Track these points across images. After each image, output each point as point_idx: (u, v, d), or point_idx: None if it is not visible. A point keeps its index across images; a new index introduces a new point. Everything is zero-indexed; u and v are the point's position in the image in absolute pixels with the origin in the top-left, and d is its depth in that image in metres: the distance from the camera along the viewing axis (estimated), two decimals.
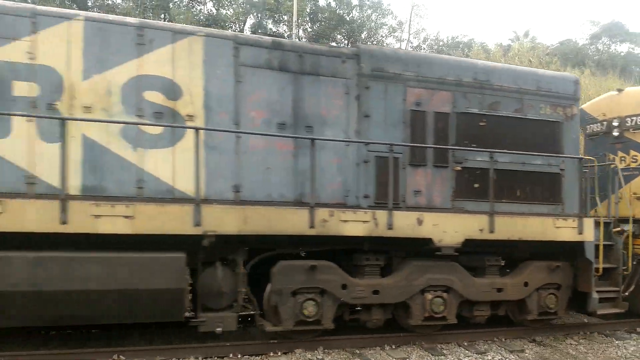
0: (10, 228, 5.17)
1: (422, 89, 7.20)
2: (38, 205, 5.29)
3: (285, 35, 25.02)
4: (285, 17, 25.38)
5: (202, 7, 25.74)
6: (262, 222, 6.06)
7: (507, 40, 32.95)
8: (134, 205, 5.57)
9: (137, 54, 6.02)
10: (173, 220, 5.69)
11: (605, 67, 29.83)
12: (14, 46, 5.59)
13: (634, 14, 64.52)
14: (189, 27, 6.74)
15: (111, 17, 6.58)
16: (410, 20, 30.98)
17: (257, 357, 6.42)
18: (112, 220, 5.46)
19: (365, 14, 27.86)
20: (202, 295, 6.23)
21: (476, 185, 7.37)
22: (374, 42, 27.42)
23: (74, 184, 5.68)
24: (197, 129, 5.86)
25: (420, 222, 6.71)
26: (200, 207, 5.75)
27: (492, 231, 7.02)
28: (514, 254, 7.77)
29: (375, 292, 6.77)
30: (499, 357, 7.00)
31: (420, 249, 6.93)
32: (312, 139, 6.33)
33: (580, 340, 7.94)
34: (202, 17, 23.79)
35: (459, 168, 7.31)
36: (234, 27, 24.52)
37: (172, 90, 6.14)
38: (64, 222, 5.30)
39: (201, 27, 7.14)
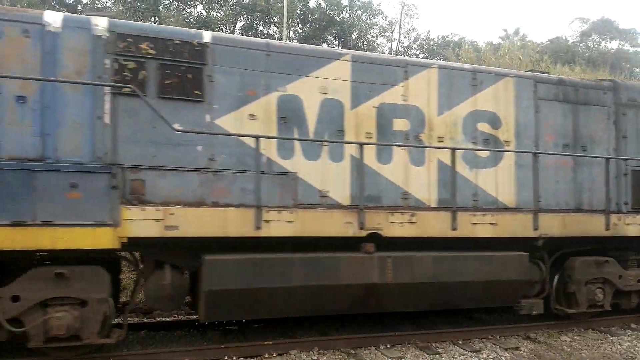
0: (419, 234, 6.96)
1: None
2: (437, 216, 7.09)
3: (276, 37, 25.01)
4: (276, 19, 25.32)
5: (192, 9, 25.65)
6: (575, 226, 7.87)
7: (497, 39, 33.14)
8: (497, 215, 7.46)
9: (472, 93, 7.69)
10: (519, 226, 7.51)
11: (596, 64, 30.00)
12: (393, 91, 7.24)
13: (623, 11, 65.06)
14: (505, 70, 8.80)
15: (454, 64, 8.66)
16: (400, 21, 31.04)
17: (251, 359, 6.41)
18: (483, 227, 7.30)
19: (355, 15, 27.82)
20: None
21: None
22: (365, 43, 27.45)
23: (433, 198, 7.37)
24: (535, 154, 7.69)
25: None
26: (538, 215, 7.54)
27: None
28: None
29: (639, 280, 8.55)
30: (494, 355, 6.99)
31: None
32: (607, 158, 8.18)
33: (575, 337, 7.94)
34: (192, 20, 23.66)
35: None
36: (224, 29, 24.45)
37: (495, 121, 7.84)
38: (454, 229, 7.08)
39: (510, 70, 9.43)
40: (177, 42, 6.22)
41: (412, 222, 6.91)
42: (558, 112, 8.29)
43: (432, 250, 7.08)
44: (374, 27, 29.43)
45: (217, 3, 24.91)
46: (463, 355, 6.95)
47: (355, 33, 27.51)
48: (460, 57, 23.39)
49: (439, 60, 10.02)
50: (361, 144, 6.74)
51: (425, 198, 7.32)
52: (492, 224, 7.35)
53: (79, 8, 22.38)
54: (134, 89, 5.76)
